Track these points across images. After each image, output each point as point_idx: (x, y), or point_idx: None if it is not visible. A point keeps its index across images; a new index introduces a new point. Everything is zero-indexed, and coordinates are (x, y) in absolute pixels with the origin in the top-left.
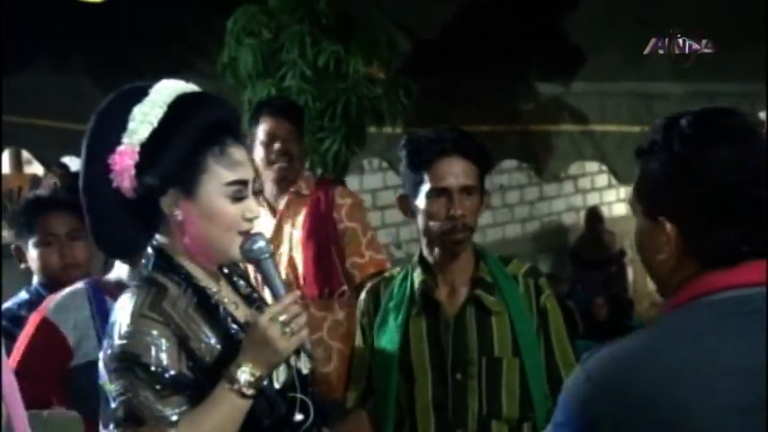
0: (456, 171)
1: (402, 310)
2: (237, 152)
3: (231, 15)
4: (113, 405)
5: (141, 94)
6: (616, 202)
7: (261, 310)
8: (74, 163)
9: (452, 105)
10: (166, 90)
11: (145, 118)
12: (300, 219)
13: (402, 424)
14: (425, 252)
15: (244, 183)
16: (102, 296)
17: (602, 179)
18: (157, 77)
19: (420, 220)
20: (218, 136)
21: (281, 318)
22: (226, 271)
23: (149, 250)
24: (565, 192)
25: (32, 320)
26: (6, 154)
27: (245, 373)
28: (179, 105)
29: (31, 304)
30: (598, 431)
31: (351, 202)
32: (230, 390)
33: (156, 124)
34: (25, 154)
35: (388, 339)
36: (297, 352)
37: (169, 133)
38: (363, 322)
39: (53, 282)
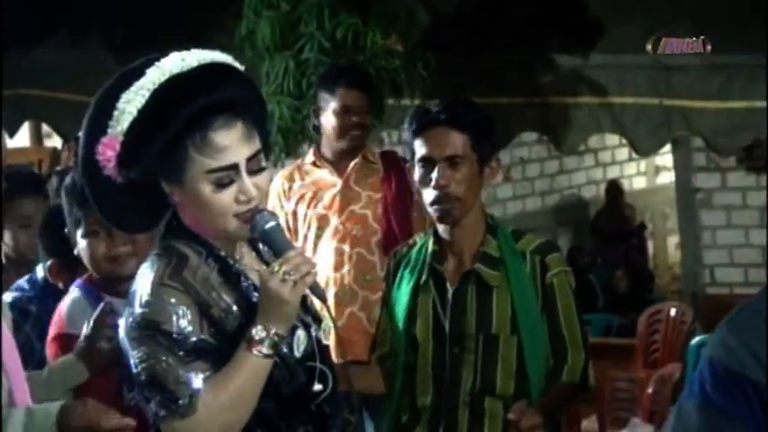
0: (441, 141)
1: (413, 277)
2: (222, 136)
3: None
4: (135, 371)
5: (136, 76)
6: (636, 175)
7: None
8: None
9: (471, 77)
10: (158, 72)
11: (127, 107)
12: (371, 182)
13: (407, 387)
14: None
15: (229, 168)
16: (95, 290)
17: (623, 152)
18: (174, 51)
19: (419, 189)
20: (203, 119)
21: (283, 269)
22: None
23: (168, 221)
24: (585, 165)
25: (51, 341)
26: (26, 127)
27: (259, 332)
28: (163, 91)
29: (39, 299)
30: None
31: None
32: (248, 350)
33: (135, 113)
34: (45, 127)
35: (400, 304)
36: (317, 320)
37: (149, 123)
38: (387, 282)
39: (102, 275)
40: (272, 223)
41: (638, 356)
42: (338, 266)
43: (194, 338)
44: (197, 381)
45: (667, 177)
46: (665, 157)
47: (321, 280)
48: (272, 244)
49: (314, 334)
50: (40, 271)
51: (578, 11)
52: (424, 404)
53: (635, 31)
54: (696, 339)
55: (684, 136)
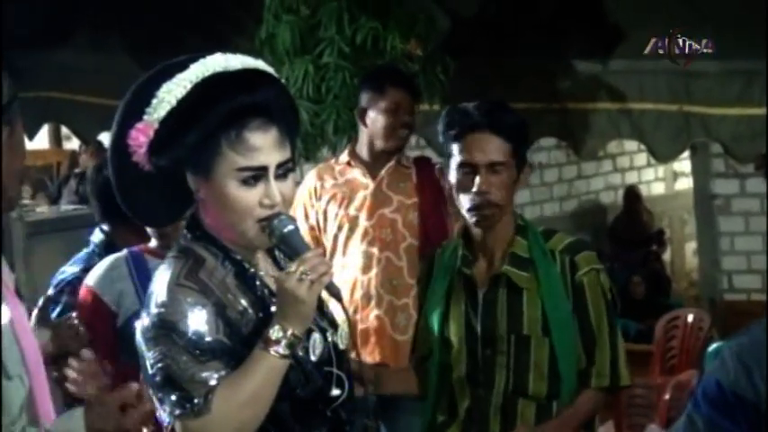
0: (484, 146)
1: (446, 282)
2: (257, 137)
3: None
4: (151, 372)
5: (179, 69)
6: (655, 180)
7: None
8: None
9: (490, 83)
10: (202, 67)
11: (166, 96)
12: (403, 187)
13: (443, 389)
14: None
15: (259, 169)
16: (143, 260)
17: (641, 158)
18: (196, 54)
19: (453, 193)
20: (241, 119)
21: (300, 269)
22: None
23: (189, 221)
24: (603, 170)
25: (81, 293)
26: (45, 129)
27: (276, 332)
28: (204, 86)
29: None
30: None
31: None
32: (265, 350)
33: (174, 103)
34: (64, 130)
35: (434, 306)
36: (334, 326)
37: (185, 115)
38: (420, 288)
39: (166, 239)
40: (290, 227)
41: (656, 362)
42: (366, 269)
43: (210, 338)
44: (212, 380)
45: (686, 183)
46: (684, 162)
47: (348, 281)
48: (291, 247)
49: (330, 339)
50: (96, 236)
51: (598, 16)
52: (462, 406)
53: (654, 37)
54: (713, 346)
55: (703, 142)
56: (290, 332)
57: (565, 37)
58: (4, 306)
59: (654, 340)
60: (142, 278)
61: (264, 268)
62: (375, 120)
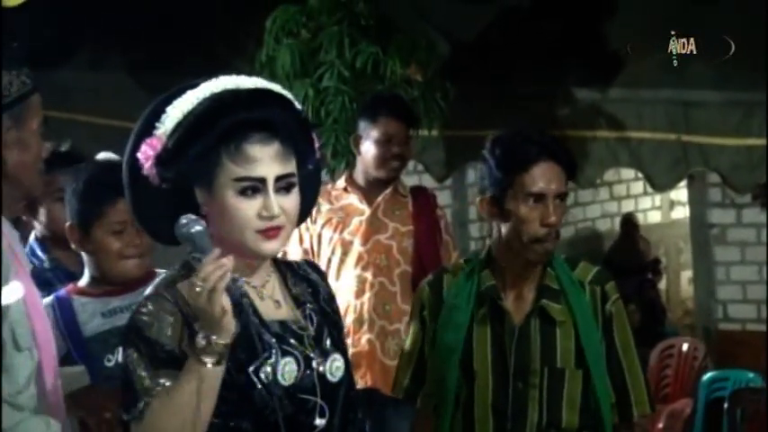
0: (552, 176)
1: (467, 310)
2: (256, 149)
3: (270, 15)
4: (120, 373)
5: (192, 87)
6: (651, 209)
7: (309, 313)
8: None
9: (489, 109)
10: (213, 85)
11: (174, 111)
12: (399, 214)
13: (457, 419)
14: (496, 253)
15: (256, 180)
16: (69, 299)
17: (638, 186)
18: (196, 75)
19: (509, 224)
20: (242, 133)
21: (197, 277)
22: (274, 265)
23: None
24: (600, 198)
25: None
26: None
27: (200, 340)
28: (209, 101)
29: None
30: None
31: (444, 214)
32: (193, 357)
33: (180, 116)
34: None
35: (451, 337)
36: (325, 354)
37: (190, 128)
38: (424, 314)
39: (107, 273)
40: (197, 228)
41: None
42: (359, 294)
43: (169, 348)
44: (158, 387)
45: (682, 212)
46: (680, 191)
47: (341, 305)
48: (197, 248)
49: (316, 368)
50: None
51: (598, 45)
52: None
53: (653, 66)
54: (707, 375)
55: (700, 171)
56: (213, 340)
57: (564, 65)
58: (18, 283)
59: (648, 368)
60: (67, 323)
61: (270, 290)
62: (368, 149)
